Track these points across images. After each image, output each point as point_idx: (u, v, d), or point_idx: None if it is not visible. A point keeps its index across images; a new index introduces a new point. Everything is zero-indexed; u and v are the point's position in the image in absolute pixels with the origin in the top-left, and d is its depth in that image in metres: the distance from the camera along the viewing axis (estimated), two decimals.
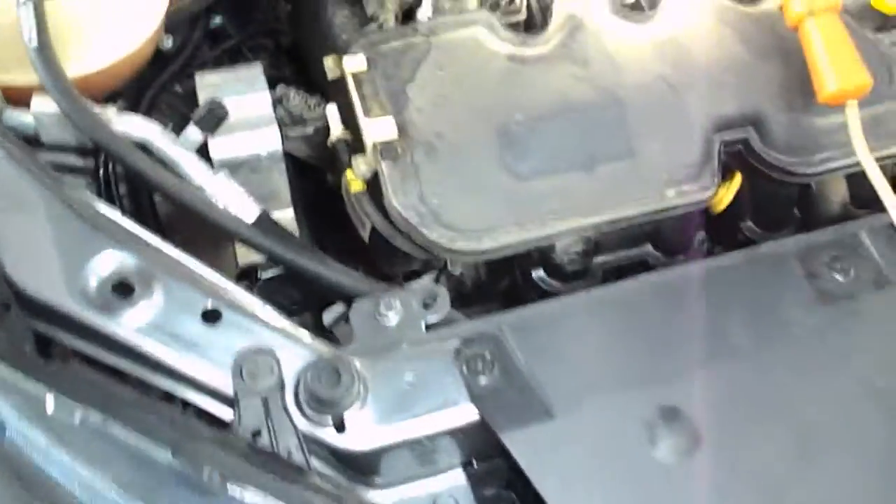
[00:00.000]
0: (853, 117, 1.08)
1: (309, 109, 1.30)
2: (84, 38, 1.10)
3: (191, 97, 1.26)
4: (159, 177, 1.04)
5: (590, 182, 1.10)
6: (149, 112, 1.25)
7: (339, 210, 1.19)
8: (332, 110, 1.16)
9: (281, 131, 1.21)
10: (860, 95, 1.09)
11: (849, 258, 1.03)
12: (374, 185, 1.10)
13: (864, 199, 1.23)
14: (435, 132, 1.09)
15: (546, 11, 1.22)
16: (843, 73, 1.08)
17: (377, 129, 1.07)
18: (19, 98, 1.05)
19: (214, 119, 1.09)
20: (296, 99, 1.33)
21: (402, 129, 1.08)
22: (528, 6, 1.24)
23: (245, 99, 1.26)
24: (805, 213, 1.26)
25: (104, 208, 0.96)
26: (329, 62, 1.16)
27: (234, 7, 1.47)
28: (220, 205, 1.09)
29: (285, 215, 1.29)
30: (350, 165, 1.11)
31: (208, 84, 1.29)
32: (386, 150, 1.06)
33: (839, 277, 1.01)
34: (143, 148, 1.07)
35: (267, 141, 1.24)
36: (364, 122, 1.08)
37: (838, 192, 1.25)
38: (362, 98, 1.09)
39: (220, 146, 1.20)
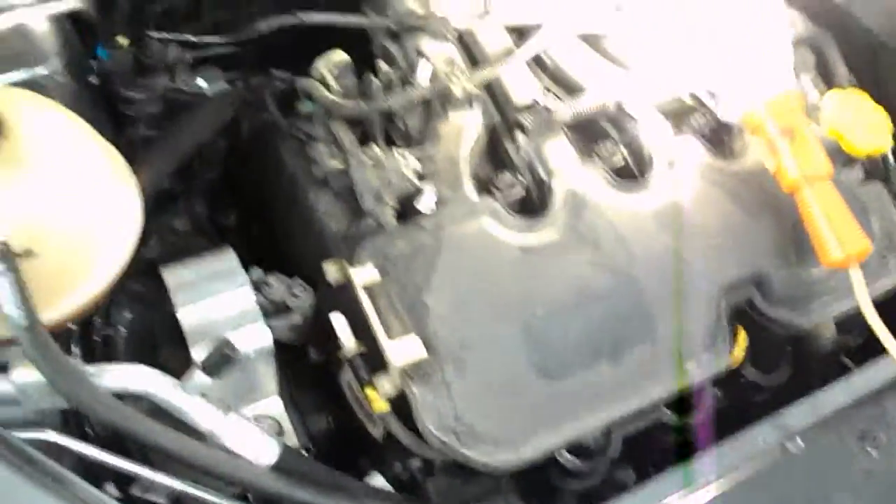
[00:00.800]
0: (858, 282, 1.12)
1: (292, 297, 1.21)
2: (56, 287, 0.97)
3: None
4: (157, 436, 0.93)
5: (616, 371, 1.08)
6: None
7: (325, 386, 1.14)
8: (339, 321, 1.08)
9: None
10: (862, 259, 1.13)
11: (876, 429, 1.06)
12: (398, 400, 1.04)
13: (847, 326, 1.29)
14: (460, 342, 1.04)
15: (542, 186, 1.19)
16: (844, 241, 1.12)
17: (403, 351, 1.00)
18: None
19: (224, 362, 0.99)
20: (275, 284, 1.23)
21: (426, 342, 1.02)
22: (524, 184, 1.20)
23: (225, 297, 1.16)
24: (798, 350, 1.30)
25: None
26: (331, 267, 1.08)
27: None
28: (235, 448, 0.99)
29: (271, 406, 1.21)
30: (369, 381, 1.04)
31: (182, 282, 1.18)
32: (415, 372, 1.00)
33: (873, 453, 1.04)
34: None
35: (255, 338, 1.15)
36: (387, 344, 1.01)
37: (828, 328, 1.30)
38: (380, 314, 1.03)
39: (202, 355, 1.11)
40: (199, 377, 1.00)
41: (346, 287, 1.07)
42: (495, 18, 1.28)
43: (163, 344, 1.26)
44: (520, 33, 1.31)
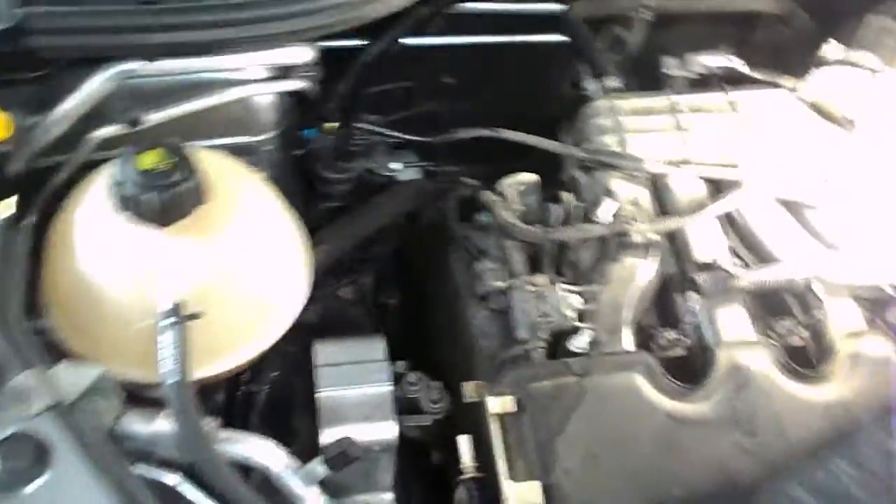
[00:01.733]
0: None
1: (429, 402, 1.21)
2: (219, 347, 1.02)
3: None
4: None
5: None
6: None
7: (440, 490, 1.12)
8: (464, 443, 1.06)
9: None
10: None
11: None
12: None
13: None
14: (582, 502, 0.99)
15: (706, 353, 1.12)
16: None
17: (522, 497, 0.96)
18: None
19: (346, 461, 1.00)
20: (416, 383, 1.23)
21: (546, 492, 0.98)
22: (687, 346, 1.13)
23: (365, 389, 1.18)
24: None
25: None
26: (470, 388, 1.07)
27: None
28: None
29: (384, 501, 1.21)
30: None
31: (329, 362, 1.21)
32: None
33: None
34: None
35: (383, 432, 1.16)
36: (506, 485, 0.98)
37: None
38: (507, 449, 1.00)
39: (332, 437, 1.12)
40: (317, 468, 1.01)
41: (481, 411, 1.05)
42: (693, 168, 1.24)
43: (299, 410, 1.31)
44: (717, 187, 1.26)
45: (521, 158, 1.30)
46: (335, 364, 1.21)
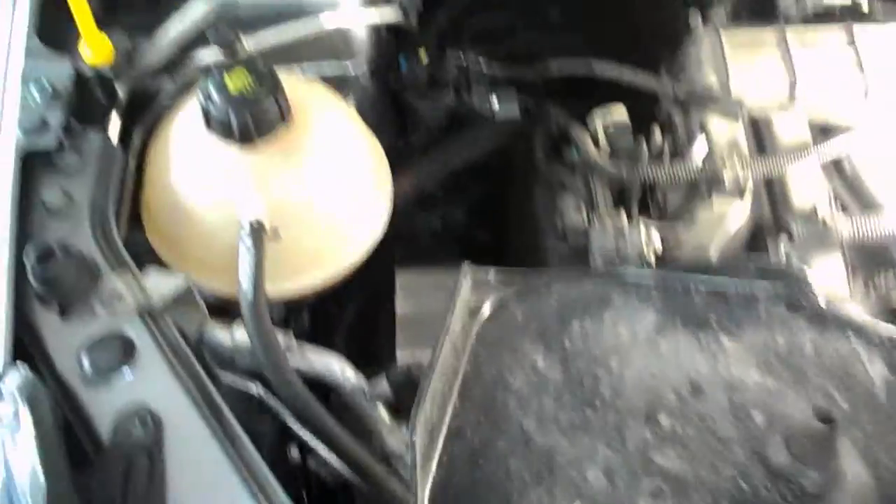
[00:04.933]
0: None
1: None
2: (300, 266, 1.06)
3: None
4: (323, 424, 0.97)
5: None
6: None
7: None
8: None
9: None
10: None
11: None
12: None
13: None
14: None
15: None
16: None
17: None
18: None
19: (408, 384, 1.02)
20: None
21: None
22: None
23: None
24: None
25: None
26: None
27: None
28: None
29: None
30: None
31: (409, 287, 1.24)
32: None
33: None
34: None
35: None
36: None
37: None
38: None
39: (408, 358, 1.16)
40: (386, 385, 1.04)
41: None
42: (800, 110, 1.16)
43: (380, 333, 1.34)
44: (824, 132, 1.18)
45: (618, 95, 1.26)
46: (414, 292, 1.24)
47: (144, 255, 1.04)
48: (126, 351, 0.89)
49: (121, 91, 1.14)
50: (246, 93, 0.98)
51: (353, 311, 1.37)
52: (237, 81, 0.99)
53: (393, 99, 1.37)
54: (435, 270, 1.27)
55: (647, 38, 1.54)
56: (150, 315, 0.91)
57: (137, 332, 0.89)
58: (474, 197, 1.59)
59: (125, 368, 0.87)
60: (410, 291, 1.23)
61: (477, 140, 1.40)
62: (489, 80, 1.47)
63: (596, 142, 1.18)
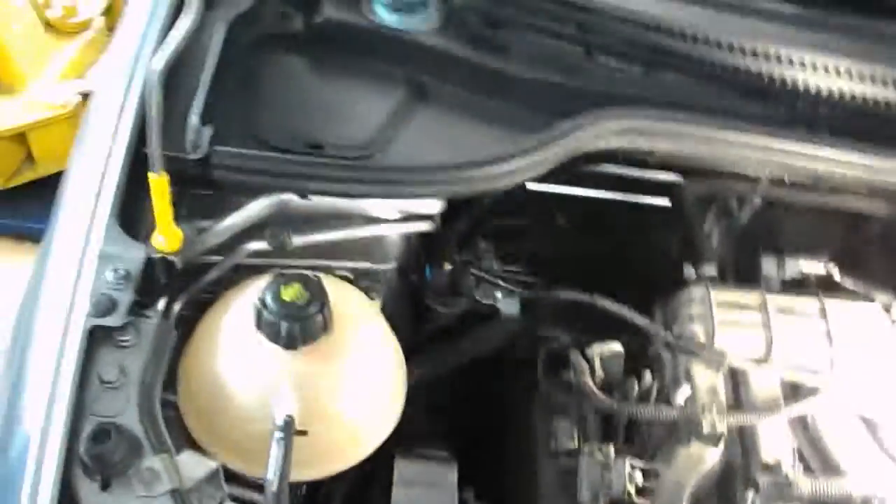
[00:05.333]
0: None
1: None
2: (316, 459, 1.17)
3: None
4: None
5: None
6: None
7: None
8: None
9: None
10: None
11: None
12: None
13: None
14: None
15: None
16: None
17: None
18: None
19: None
20: None
21: None
22: None
23: None
24: None
25: None
26: None
27: None
28: None
29: None
30: None
31: (405, 480, 1.34)
32: None
33: None
34: None
35: None
36: None
37: None
38: None
39: None
40: None
41: None
42: (773, 368, 1.32)
43: None
44: (793, 389, 1.33)
45: (614, 325, 1.41)
46: (409, 483, 1.34)
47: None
48: None
49: (178, 267, 1.26)
50: (298, 304, 1.12)
51: (345, 485, 1.46)
52: (291, 291, 1.13)
53: (414, 298, 1.52)
54: (428, 464, 1.38)
55: (641, 261, 1.71)
56: (180, 495, 1.01)
57: None
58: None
59: None
60: (405, 486, 1.33)
61: (481, 340, 1.54)
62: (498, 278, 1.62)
63: (593, 371, 1.32)
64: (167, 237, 1.20)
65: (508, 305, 1.64)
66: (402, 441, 1.43)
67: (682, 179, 1.61)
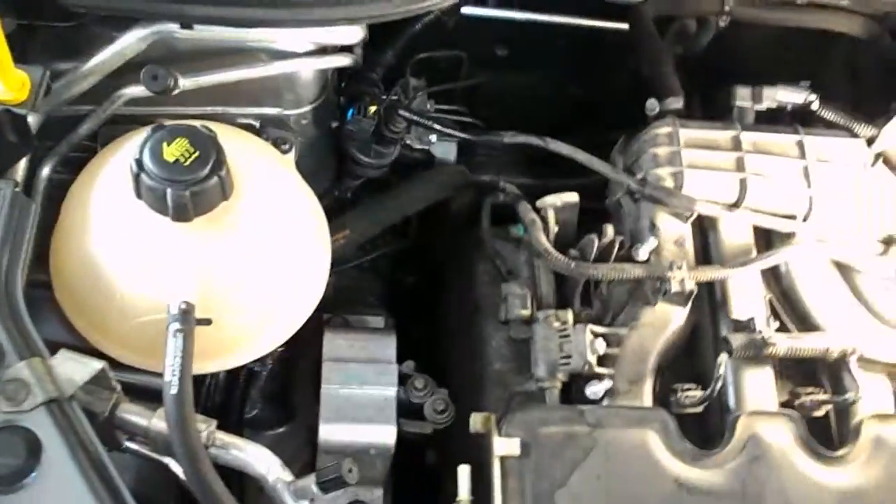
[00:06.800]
0: None
1: (434, 412, 1.18)
2: (232, 345, 0.99)
3: None
4: None
5: None
6: None
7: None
8: (464, 474, 1.03)
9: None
10: None
11: None
12: None
13: None
14: None
15: (725, 417, 1.08)
16: None
17: None
18: None
19: (339, 484, 0.98)
20: (422, 389, 1.20)
21: None
22: (706, 403, 1.09)
23: (370, 390, 1.16)
24: None
25: None
26: (477, 420, 1.04)
27: None
28: None
29: (375, 496, 1.20)
30: None
31: (337, 356, 1.19)
32: None
33: None
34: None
35: (381, 437, 1.16)
36: None
37: None
38: (505, 493, 0.97)
39: (332, 433, 1.14)
40: (309, 485, 0.99)
41: (485, 445, 1.02)
42: (745, 214, 1.17)
43: (300, 385, 1.29)
44: (768, 238, 1.19)
45: (568, 172, 1.24)
46: (343, 360, 1.19)
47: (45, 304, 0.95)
48: (30, 448, 0.80)
49: (33, 124, 1.02)
50: (186, 166, 0.89)
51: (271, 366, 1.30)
52: (177, 150, 0.90)
53: (334, 148, 1.30)
54: (363, 336, 1.22)
55: (594, 90, 1.52)
56: (58, 406, 0.83)
57: (44, 426, 0.81)
58: (401, 237, 1.54)
59: (30, 466, 0.79)
60: (338, 362, 1.18)
61: (417, 194, 1.35)
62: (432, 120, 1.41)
63: (546, 226, 1.15)
64: (7, 84, 0.93)
65: (444, 150, 1.44)
66: (332, 308, 1.28)
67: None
